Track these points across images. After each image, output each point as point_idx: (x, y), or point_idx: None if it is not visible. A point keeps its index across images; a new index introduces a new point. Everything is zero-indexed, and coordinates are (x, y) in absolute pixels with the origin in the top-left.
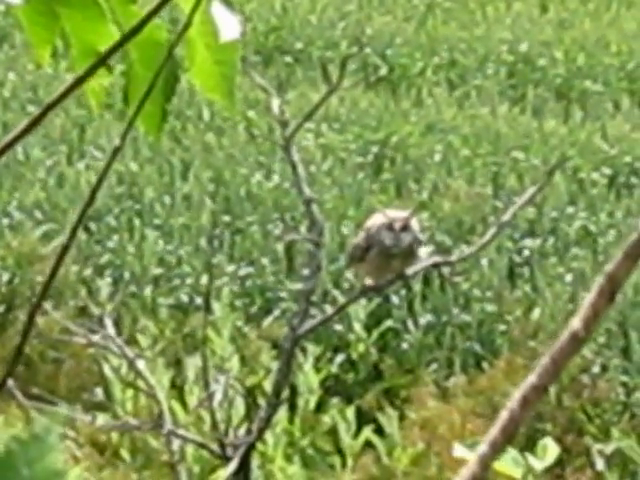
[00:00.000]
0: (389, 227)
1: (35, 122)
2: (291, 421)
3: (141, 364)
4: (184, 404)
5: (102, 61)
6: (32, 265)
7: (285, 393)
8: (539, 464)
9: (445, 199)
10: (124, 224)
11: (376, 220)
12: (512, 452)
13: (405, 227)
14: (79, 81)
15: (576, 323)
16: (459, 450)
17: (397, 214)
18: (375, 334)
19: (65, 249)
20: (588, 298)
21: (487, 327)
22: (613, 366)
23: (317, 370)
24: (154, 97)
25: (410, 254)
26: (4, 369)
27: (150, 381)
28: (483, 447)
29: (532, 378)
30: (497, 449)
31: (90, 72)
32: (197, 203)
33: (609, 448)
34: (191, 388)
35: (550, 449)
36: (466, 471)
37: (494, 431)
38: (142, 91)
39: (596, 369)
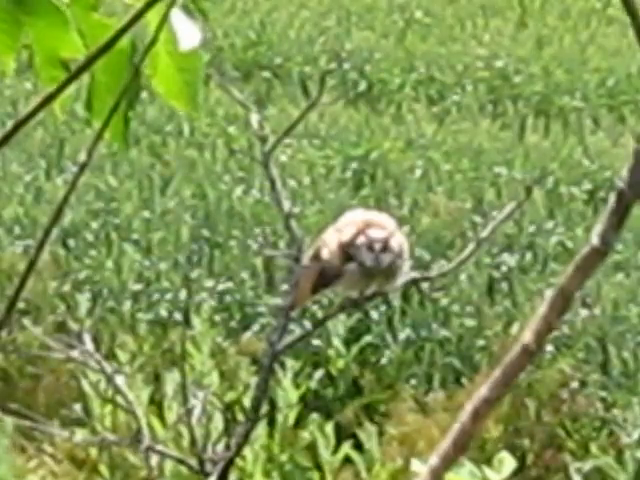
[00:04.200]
0: (369, 247)
1: (8, 137)
2: (270, 436)
3: (120, 380)
4: (163, 420)
5: (73, 77)
6: (11, 281)
7: (264, 408)
8: (496, 477)
9: (424, 214)
10: (103, 239)
11: (351, 228)
12: (468, 465)
13: (385, 247)
14: (49, 98)
15: (527, 337)
16: (416, 465)
17: (374, 219)
18: (354, 349)
19: (32, 264)
20: (540, 311)
21: (466, 342)
22: (592, 381)
23: (296, 385)
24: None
25: (391, 274)
26: None
27: (129, 397)
28: (434, 459)
29: (483, 391)
30: (448, 461)
31: (61, 89)
32: (176, 218)
33: (587, 466)
34: (170, 404)
35: (507, 462)
36: None
37: (446, 444)
38: (105, 98)
39: (575, 384)
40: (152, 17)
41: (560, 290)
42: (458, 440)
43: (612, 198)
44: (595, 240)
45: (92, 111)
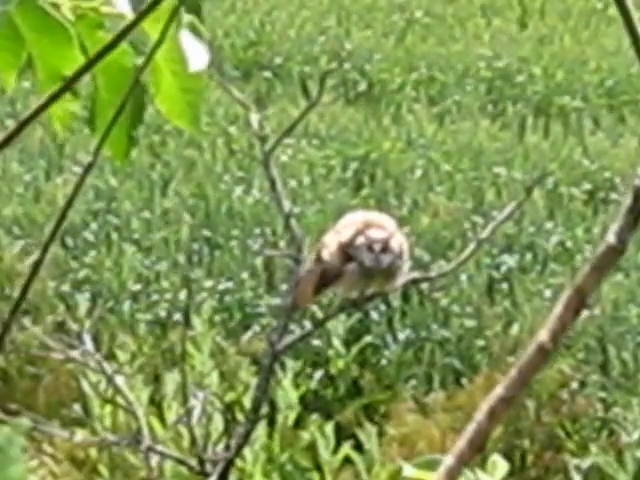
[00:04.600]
0: (369, 247)
1: (8, 140)
2: (270, 437)
3: (120, 380)
4: (163, 420)
5: (70, 83)
6: (10, 281)
7: (264, 409)
8: None
9: (424, 214)
10: (102, 239)
11: (350, 229)
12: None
13: (385, 248)
14: (47, 103)
15: (543, 335)
16: (407, 469)
17: (374, 220)
18: (354, 350)
19: (37, 265)
20: (555, 310)
21: (466, 343)
22: (592, 382)
23: (296, 386)
24: (121, 123)
25: (391, 274)
26: None
27: (129, 397)
28: (450, 459)
29: (499, 390)
30: (464, 461)
31: (59, 94)
32: (176, 218)
33: (586, 463)
34: (170, 404)
35: (500, 465)
36: None
37: (461, 443)
38: (108, 116)
39: (575, 385)
40: (155, 32)
41: (576, 289)
42: (474, 439)
43: (629, 196)
44: (611, 238)
45: (96, 129)
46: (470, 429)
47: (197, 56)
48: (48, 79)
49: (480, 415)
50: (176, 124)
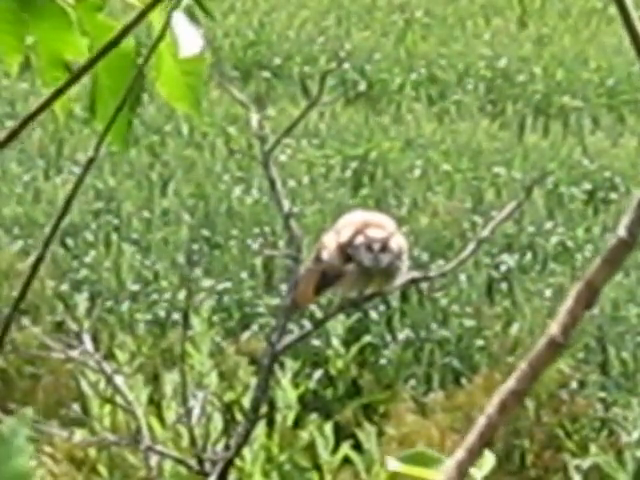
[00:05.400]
0: (368, 247)
1: (11, 137)
2: (269, 437)
3: (119, 380)
4: (162, 420)
5: (75, 78)
6: (9, 280)
7: (263, 409)
8: (478, 473)
9: (423, 214)
10: (102, 239)
11: (350, 228)
12: (449, 462)
13: (384, 247)
14: (55, 95)
15: (554, 329)
16: (392, 464)
17: (373, 220)
18: (354, 350)
19: (38, 261)
20: (566, 304)
21: (466, 342)
22: (591, 382)
23: (295, 386)
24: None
25: (390, 274)
26: None
27: (128, 397)
28: (460, 452)
29: (510, 383)
30: (474, 454)
31: (64, 88)
32: (175, 218)
33: (586, 463)
34: (169, 404)
35: (486, 458)
36: (443, 476)
37: (471, 436)
38: (108, 101)
39: (574, 385)
40: (156, 19)
41: (586, 283)
42: (484, 433)
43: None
44: (622, 232)
45: (95, 114)
46: (481, 422)
47: (190, 41)
48: (49, 64)
49: (490, 408)
50: (177, 107)
